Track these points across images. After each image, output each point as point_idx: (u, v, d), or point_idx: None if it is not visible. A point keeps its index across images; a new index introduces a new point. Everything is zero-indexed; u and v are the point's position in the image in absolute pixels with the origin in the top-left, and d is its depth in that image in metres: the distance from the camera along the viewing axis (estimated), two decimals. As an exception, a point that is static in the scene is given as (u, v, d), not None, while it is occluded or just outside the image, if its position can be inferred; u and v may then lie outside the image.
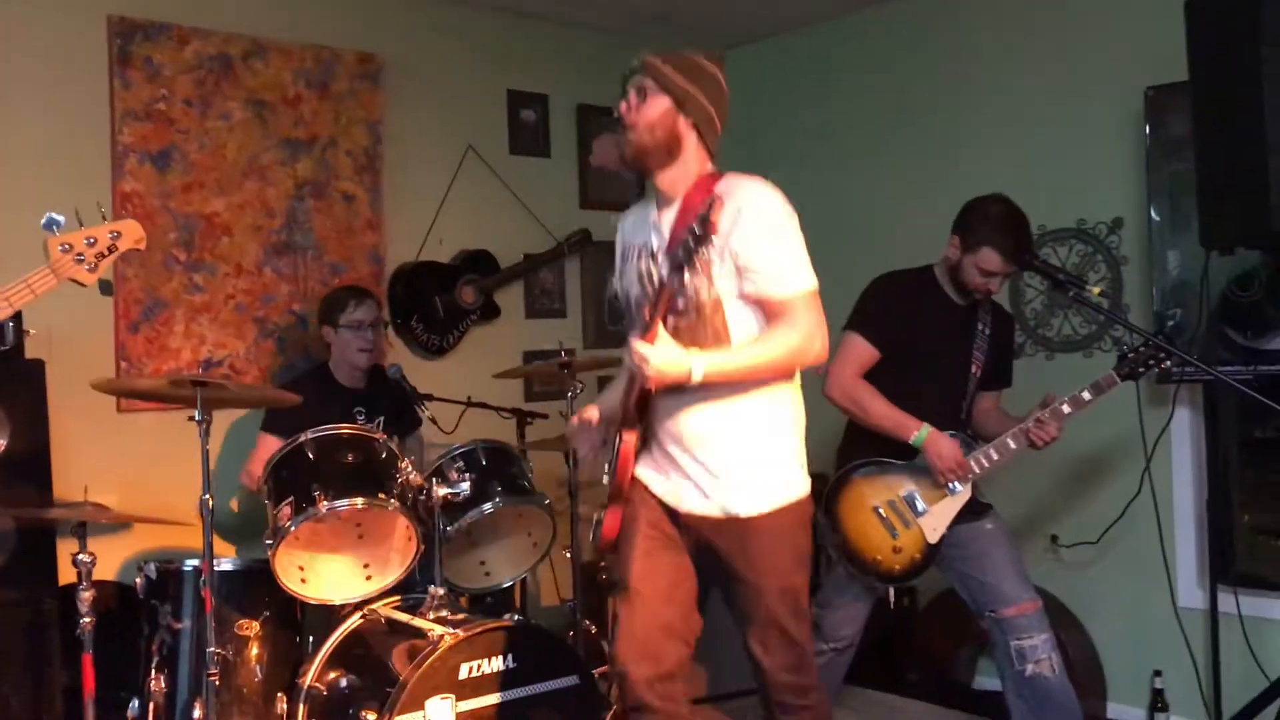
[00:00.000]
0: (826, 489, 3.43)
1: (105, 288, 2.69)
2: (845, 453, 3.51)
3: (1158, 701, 4.10)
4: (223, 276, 4.24)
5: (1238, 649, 3.85)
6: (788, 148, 5.46)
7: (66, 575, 3.30)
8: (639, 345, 2.42)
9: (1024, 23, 4.55)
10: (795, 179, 5.24)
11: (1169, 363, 3.30)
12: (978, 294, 3.41)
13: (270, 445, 3.69)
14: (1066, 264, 4.35)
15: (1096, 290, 3.31)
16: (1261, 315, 3.80)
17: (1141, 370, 3.33)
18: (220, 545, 3.98)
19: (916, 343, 3.39)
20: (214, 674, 3.05)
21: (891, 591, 3.49)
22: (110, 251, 2.74)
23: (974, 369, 3.47)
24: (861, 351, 3.39)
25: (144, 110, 4.09)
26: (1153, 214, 4.05)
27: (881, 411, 3.34)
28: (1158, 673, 4.09)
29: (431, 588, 3.31)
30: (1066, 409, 3.33)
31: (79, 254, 2.68)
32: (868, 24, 5.12)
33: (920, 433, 3.30)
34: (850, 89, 5.20)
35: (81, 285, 2.71)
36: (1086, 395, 3.33)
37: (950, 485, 3.34)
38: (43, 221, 2.68)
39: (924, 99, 4.89)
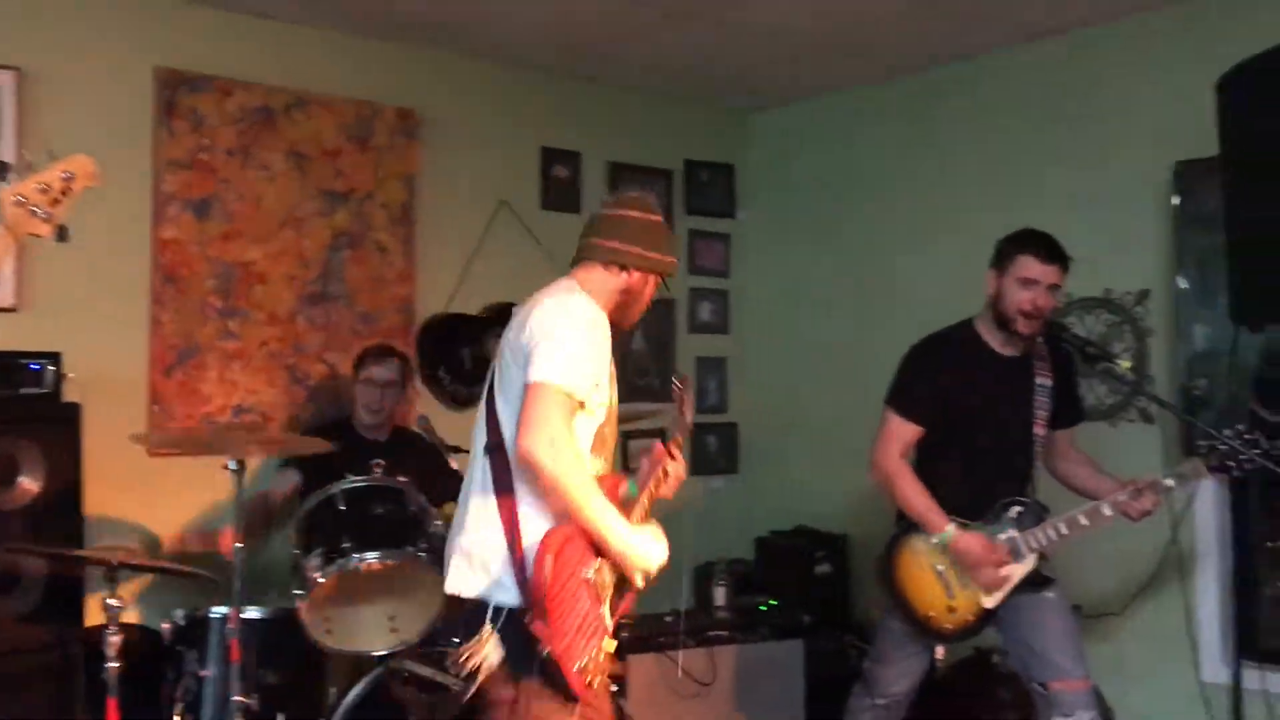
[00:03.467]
0: (889, 541, 3.41)
1: (61, 234, 2.34)
2: None
3: (1180, 777, 4.04)
4: (256, 324, 4.28)
5: (1262, 726, 3.81)
6: (810, 212, 5.51)
7: (92, 617, 3.30)
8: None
9: (1056, 92, 4.59)
10: (816, 244, 5.44)
11: (1259, 458, 3.10)
12: (1028, 320, 3.26)
13: (292, 479, 3.79)
14: (1093, 333, 4.35)
15: (1126, 364, 3.28)
16: (1289, 391, 3.78)
17: (1231, 465, 3.14)
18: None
19: (964, 409, 3.32)
20: (238, 722, 3.03)
21: (940, 650, 3.43)
22: (65, 195, 2.39)
23: (1036, 428, 3.36)
24: (901, 429, 3.35)
25: (187, 159, 4.14)
26: (1179, 285, 4.06)
27: (915, 502, 3.31)
28: (1179, 748, 4.03)
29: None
30: (1171, 482, 3.23)
31: (33, 206, 2.34)
32: (902, 91, 5.17)
33: (944, 534, 3.26)
34: (883, 155, 5.24)
35: (38, 237, 2.35)
36: (1171, 482, 3.23)
37: (1012, 556, 3.28)
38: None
39: (959, 166, 4.92)
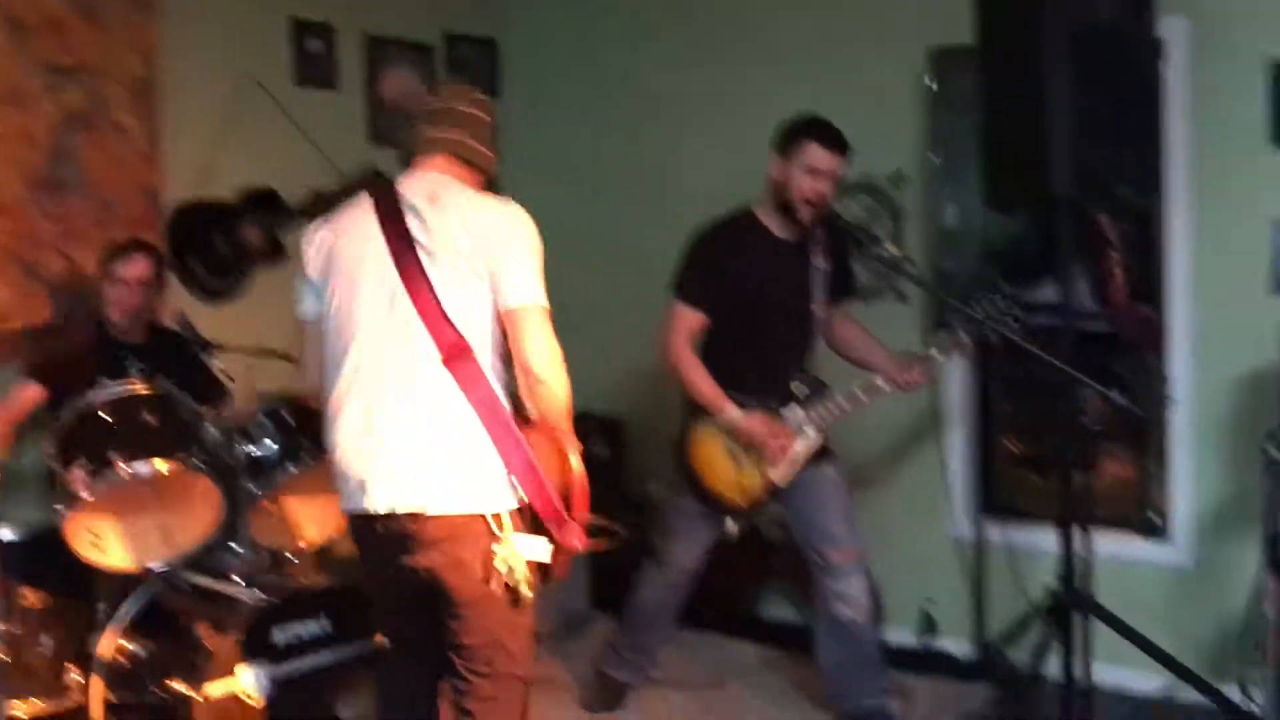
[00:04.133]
0: (683, 421, 3.47)
1: None
2: None
3: (927, 624, 4.39)
4: (-20, 215, 3.86)
5: (1003, 576, 4.17)
6: (577, 92, 5.43)
7: None
8: None
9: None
10: (584, 125, 5.37)
11: (1017, 325, 3.35)
12: (810, 207, 3.38)
13: (32, 393, 3.45)
14: (855, 216, 4.48)
15: (895, 250, 3.44)
16: (1031, 268, 4.07)
17: (989, 332, 3.37)
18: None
19: (747, 295, 3.42)
20: None
21: (734, 525, 3.55)
22: None
23: (815, 308, 3.52)
24: (686, 318, 3.43)
25: (-118, 28, 3.64)
26: (932, 163, 4.27)
27: (701, 388, 3.41)
28: (929, 599, 4.38)
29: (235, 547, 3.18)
30: (936, 353, 3.46)
31: None
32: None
33: (727, 414, 3.40)
34: (649, 36, 5.17)
35: None
36: (936, 353, 3.47)
37: (797, 432, 3.44)
38: None
39: (723, 50, 4.92)
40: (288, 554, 3.48)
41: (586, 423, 5.00)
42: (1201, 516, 3.92)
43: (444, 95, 2.80)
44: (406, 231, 2.53)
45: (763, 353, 3.46)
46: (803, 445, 3.46)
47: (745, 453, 3.45)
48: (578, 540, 2.48)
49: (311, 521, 3.60)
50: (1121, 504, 4.11)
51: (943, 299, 3.60)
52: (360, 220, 2.60)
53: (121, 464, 2.99)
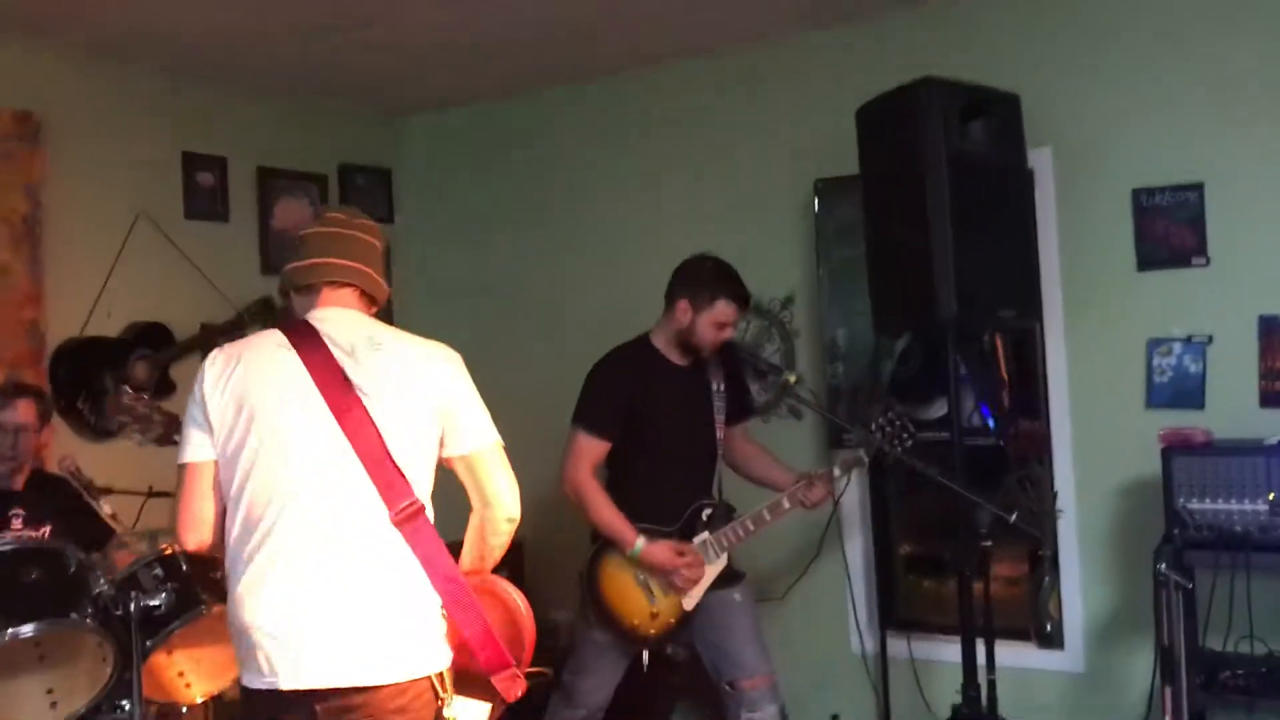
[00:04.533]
0: (590, 554, 3.45)
1: None
2: None
3: (835, 741, 4.39)
4: None
5: (908, 689, 4.20)
6: (470, 218, 5.47)
7: None
8: None
9: (706, 112, 4.79)
10: (476, 251, 5.40)
11: (910, 443, 3.44)
12: (711, 350, 3.48)
13: None
14: (744, 336, 4.59)
15: (793, 377, 3.50)
16: (920, 387, 4.19)
17: (888, 450, 3.43)
18: None
19: (648, 421, 3.44)
20: None
21: (646, 655, 3.51)
22: None
23: (716, 430, 3.54)
24: (589, 446, 3.42)
25: None
26: (821, 289, 4.40)
27: (605, 518, 3.40)
28: (836, 716, 4.37)
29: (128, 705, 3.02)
30: (837, 472, 3.50)
31: None
32: (554, 105, 5.21)
33: (635, 548, 3.38)
34: (537, 167, 5.27)
35: None
36: (837, 472, 3.51)
37: (705, 556, 3.44)
38: None
39: (612, 180, 5.04)
40: (181, 708, 3.33)
41: None
42: (1093, 624, 4.00)
43: (336, 221, 2.50)
44: (342, 375, 2.28)
45: (667, 478, 3.47)
46: (711, 569, 3.46)
47: (656, 582, 3.44)
48: (520, 689, 2.34)
49: (204, 673, 3.46)
50: (1016, 613, 4.18)
51: (837, 422, 3.66)
52: (277, 359, 2.31)
53: (4, 627, 2.83)
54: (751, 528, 3.47)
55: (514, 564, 4.99)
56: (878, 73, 3.74)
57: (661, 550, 3.38)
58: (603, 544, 3.47)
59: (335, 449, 2.25)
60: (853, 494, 4.36)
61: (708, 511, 3.50)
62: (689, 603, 3.43)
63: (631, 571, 3.42)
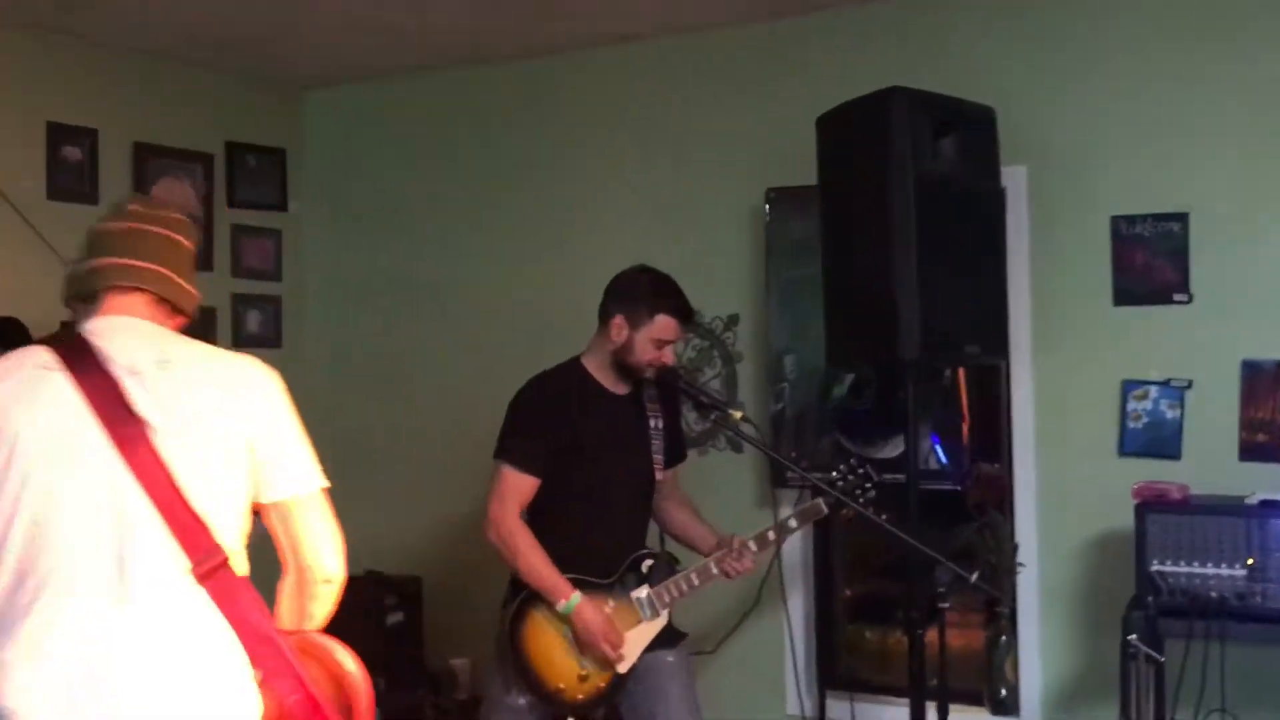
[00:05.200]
0: (510, 612, 3.36)
1: None
2: None
3: (765, 810, 4.39)
4: None
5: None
6: (379, 208, 5.40)
7: None
8: None
9: (649, 103, 4.78)
10: (385, 245, 5.32)
11: (873, 493, 3.41)
12: (651, 371, 3.43)
13: None
14: (683, 358, 4.59)
15: (738, 415, 3.45)
16: (872, 424, 4.20)
17: (852, 499, 3.38)
18: None
19: (582, 456, 3.37)
20: None
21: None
22: None
23: (655, 470, 3.50)
24: (517, 484, 3.33)
25: None
26: (771, 312, 4.39)
27: (536, 568, 3.31)
28: (768, 782, 4.39)
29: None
30: (793, 524, 3.46)
31: None
32: (478, 82, 5.15)
33: (569, 602, 3.29)
34: (456, 153, 5.22)
35: None
36: (794, 523, 3.45)
37: (643, 613, 3.40)
38: None
39: (540, 173, 4.99)
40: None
41: (378, 585, 4.98)
42: (1052, 689, 4.05)
43: (133, 214, 2.28)
44: (125, 403, 2.06)
45: (600, 522, 3.40)
46: (649, 627, 3.42)
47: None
48: None
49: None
50: (969, 674, 4.22)
51: (789, 466, 3.64)
52: (40, 384, 2.07)
53: None
54: (696, 583, 3.44)
55: (410, 605, 4.98)
56: (842, 74, 3.77)
57: (594, 616, 3.32)
58: (527, 595, 3.38)
59: (118, 492, 2.04)
60: (796, 544, 4.37)
61: (648, 563, 3.45)
62: (623, 666, 3.38)
63: (560, 628, 3.34)
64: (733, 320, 4.58)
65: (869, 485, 3.42)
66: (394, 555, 5.05)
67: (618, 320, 3.40)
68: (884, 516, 3.49)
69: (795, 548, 4.40)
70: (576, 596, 3.31)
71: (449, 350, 5.12)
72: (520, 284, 4.95)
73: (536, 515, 3.41)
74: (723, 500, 4.17)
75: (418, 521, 4.98)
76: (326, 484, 2.27)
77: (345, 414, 5.33)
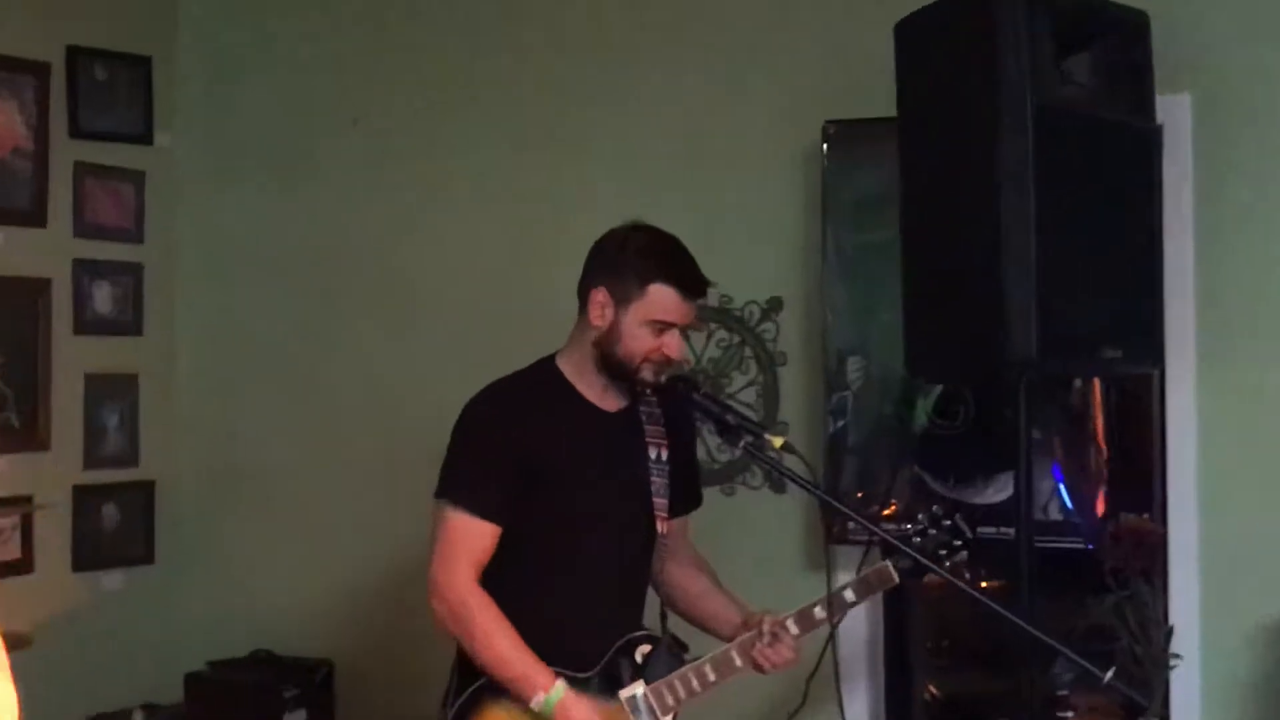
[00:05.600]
0: (459, 700, 3.37)
1: None
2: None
3: None
4: None
5: None
6: (280, 143, 5.41)
7: None
8: None
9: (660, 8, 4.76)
10: (289, 193, 5.27)
11: (964, 550, 3.35)
12: (649, 370, 3.37)
13: None
14: (702, 360, 4.55)
15: (779, 441, 3.36)
16: (968, 455, 4.14)
17: (935, 562, 3.33)
18: None
19: (554, 497, 3.36)
20: None
21: None
22: None
23: (657, 520, 3.46)
24: (469, 533, 3.30)
25: None
26: (827, 295, 4.34)
27: (500, 651, 3.27)
28: None
29: None
30: (850, 596, 3.40)
31: None
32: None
33: (549, 696, 3.24)
34: (390, 63, 5.21)
35: None
36: (851, 595, 3.40)
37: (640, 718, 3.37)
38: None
39: (507, 95, 4.98)
40: None
41: (272, 670, 5.01)
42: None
43: None
44: None
45: (583, 593, 3.39)
46: None
47: None
48: None
49: None
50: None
51: (846, 513, 3.57)
52: None
53: None
54: (712, 679, 3.40)
55: (317, 697, 5.01)
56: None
57: (590, 713, 3.28)
58: (482, 686, 3.36)
59: None
60: (859, 619, 4.32)
61: (644, 649, 3.42)
62: None
63: None
64: (774, 306, 4.55)
65: (960, 542, 3.36)
66: (295, 629, 5.07)
67: (599, 295, 3.35)
68: (982, 586, 3.50)
69: (857, 629, 4.36)
70: (560, 689, 3.26)
71: (375, 341, 5.12)
72: (477, 252, 4.94)
73: (486, 580, 3.38)
74: (756, 560, 4.21)
75: (329, 582, 4.95)
76: None
77: (228, 429, 5.34)
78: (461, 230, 4.99)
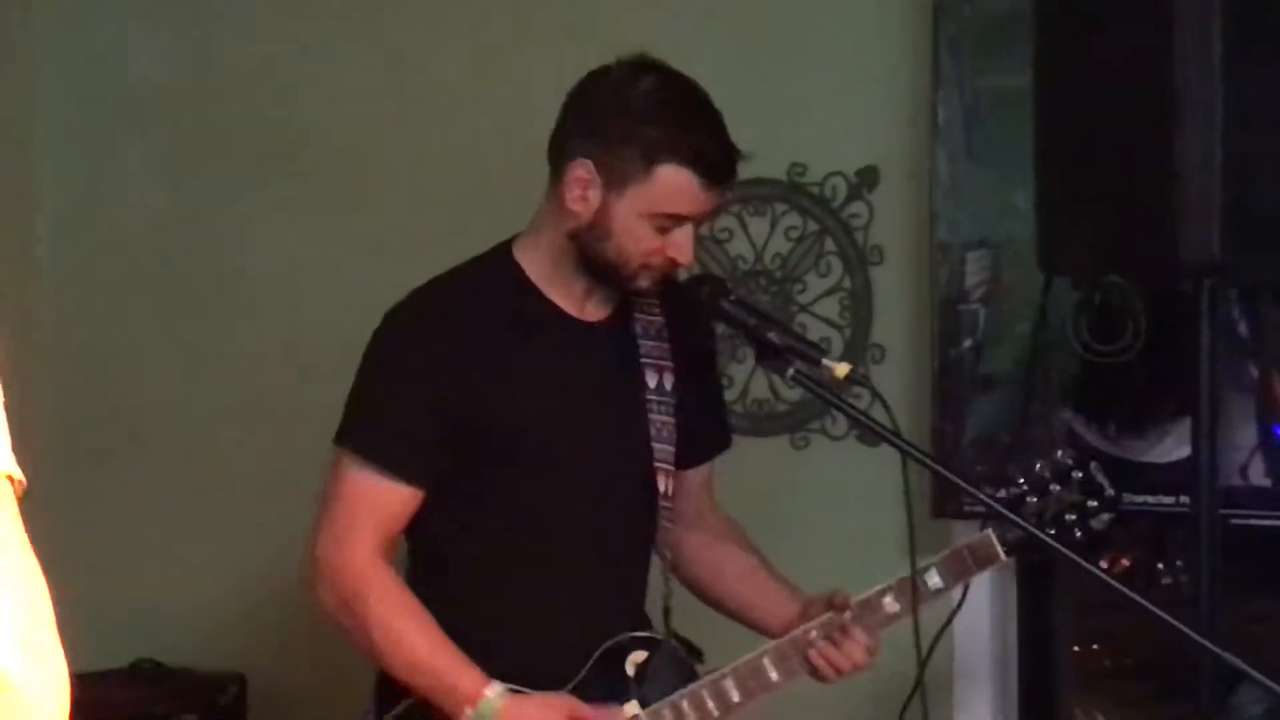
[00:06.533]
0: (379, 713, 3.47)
1: None
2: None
3: None
4: None
5: None
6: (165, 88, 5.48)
7: None
8: None
9: None
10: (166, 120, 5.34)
11: (1099, 519, 3.38)
12: (648, 279, 3.42)
13: None
14: (764, 252, 4.62)
15: (842, 370, 3.36)
16: (1138, 393, 4.21)
17: (1063, 533, 3.35)
18: None
19: (513, 446, 3.41)
20: None
21: None
22: None
23: (658, 474, 3.51)
24: (376, 494, 3.37)
25: None
26: (940, 167, 4.40)
27: (413, 649, 3.34)
28: None
29: None
30: (937, 581, 3.44)
31: None
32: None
33: (484, 703, 3.30)
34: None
35: None
36: (937, 579, 3.43)
37: None
38: None
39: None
40: None
41: (164, 687, 5.12)
42: None
43: None
44: None
45: (557, 578, 3.46)
46: None
47: None
48: None
49: None
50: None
51: (944, 473, 3.64)
52: None
53: None
54: (737, 699, 3.44)
55: (222, 702, 5.12)
56: None
57: (534, 712, 3.38)
58: (411, 706, 3.47)
59: None
60: (978, 607, 4.38)
61: (637, 657, 3.48)
62: None
63: None
64: (866, 181, 4.60)
65: (1095, 503, 3.42)
66: (192, 634, 5.18)
67: (580, 170, 3.34)
68: (1139, 575, 3.51)
69: (976, 624, 4.44)
70: (495, 697, 3.31)
71: (297, 228, 5.20)
72: (444, 93, 5.01)
73: (426, 567, 3.51)
74: (838, 536, 4.30)
75: (237, 571, 5.07)
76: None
77: (91, 359, 5.45)
78: (423, 63, 5.06)
